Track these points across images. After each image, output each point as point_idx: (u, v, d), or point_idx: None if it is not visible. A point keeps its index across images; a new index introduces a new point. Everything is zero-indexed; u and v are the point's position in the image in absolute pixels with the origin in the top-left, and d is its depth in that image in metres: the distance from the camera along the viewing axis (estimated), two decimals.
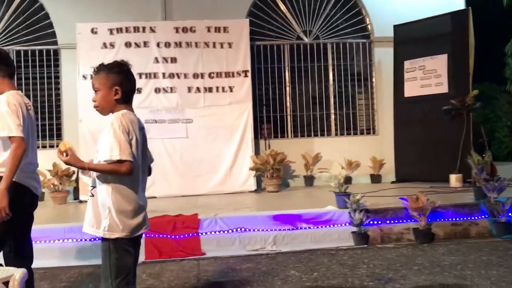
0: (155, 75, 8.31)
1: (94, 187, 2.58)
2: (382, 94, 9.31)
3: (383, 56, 9.24)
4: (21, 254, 3.16)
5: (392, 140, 8.87)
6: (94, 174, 2.55)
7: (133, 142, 2.50)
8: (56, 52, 8.68)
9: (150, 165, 2.78)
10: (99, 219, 2.53)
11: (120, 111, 2.56)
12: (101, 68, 2.60)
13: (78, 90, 8.09)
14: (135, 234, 2.56)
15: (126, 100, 2.61)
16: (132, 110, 2.65)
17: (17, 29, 8.65)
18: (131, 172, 2.45)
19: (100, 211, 2.53)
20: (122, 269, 2.52)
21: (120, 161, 2.43)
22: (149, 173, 2.78)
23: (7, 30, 8.64)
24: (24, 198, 3.06)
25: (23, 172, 3.00)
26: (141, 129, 2.63)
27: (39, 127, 8.60)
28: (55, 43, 8.64)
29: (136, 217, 2.55)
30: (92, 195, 2.57)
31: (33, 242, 3.33)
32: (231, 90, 8.45)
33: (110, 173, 2.48)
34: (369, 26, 9.37)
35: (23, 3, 8.65)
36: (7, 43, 8.63)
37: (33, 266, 3.25)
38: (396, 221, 5.53)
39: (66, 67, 8.54)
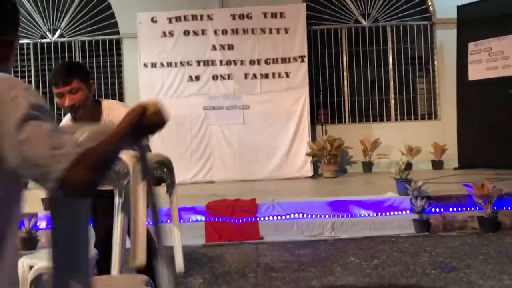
0: (213, 62, 8.40)
1: None
2: (444, 78, 8.96)
3: (446, 39, 8.87)
4: None
5: (454, 125, 8.54)
6: None
7: None
8: (118, 42, 8.97)
9: None
10: None
11: None
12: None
13: (139, 78, 8.33)
14: None
15: None
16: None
17: (81, 21, 8.99)
18: None
19: None
20: None
21: None
22: None
23: (72, 22, 9.00)
24: None
25: None
26: None
27: None
28: (117, 33, 8.92)
29: None
30: None
31: None
32: (287, 76, 8.42)
33: None
34: (430, 8, 9.01)
35: None
36: (73, 34, 9.00)
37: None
38: (460, 209, 5.36)
39: (128, 56, 8.80)
